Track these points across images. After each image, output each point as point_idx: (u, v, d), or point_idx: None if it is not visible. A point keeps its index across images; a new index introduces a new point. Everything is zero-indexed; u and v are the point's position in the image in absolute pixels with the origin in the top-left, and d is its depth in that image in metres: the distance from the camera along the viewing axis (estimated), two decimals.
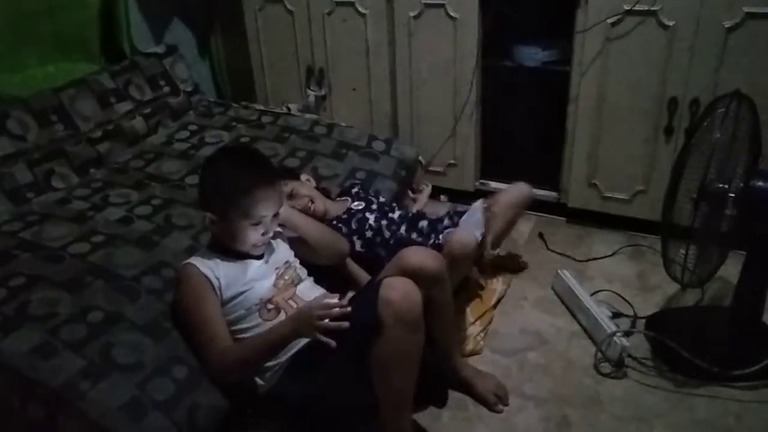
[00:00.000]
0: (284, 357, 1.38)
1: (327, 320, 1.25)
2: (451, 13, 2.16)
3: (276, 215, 1.45)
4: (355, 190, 1.95)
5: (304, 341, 1.36)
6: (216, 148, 1.79)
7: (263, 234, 1.43)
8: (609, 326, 1.69)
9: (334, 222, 1.82)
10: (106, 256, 1.57)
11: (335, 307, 1.26)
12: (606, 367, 1.66)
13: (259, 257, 1.48)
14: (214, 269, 1.41)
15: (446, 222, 1.86)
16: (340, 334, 1.24)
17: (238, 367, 1.37)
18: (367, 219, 1.82)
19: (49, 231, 1.66)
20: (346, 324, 1.24)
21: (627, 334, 1.69)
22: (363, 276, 1.73)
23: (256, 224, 1.41)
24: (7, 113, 1.90)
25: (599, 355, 1.68)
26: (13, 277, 1.47)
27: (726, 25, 1.81)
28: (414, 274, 1.38)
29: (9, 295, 1.42)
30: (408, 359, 1.29)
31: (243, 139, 2.18)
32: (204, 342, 1.37)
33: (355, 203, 1.88)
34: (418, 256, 1.43)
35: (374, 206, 1.87)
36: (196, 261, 1.43)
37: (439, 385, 1.52)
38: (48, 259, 1.54)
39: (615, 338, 1.65)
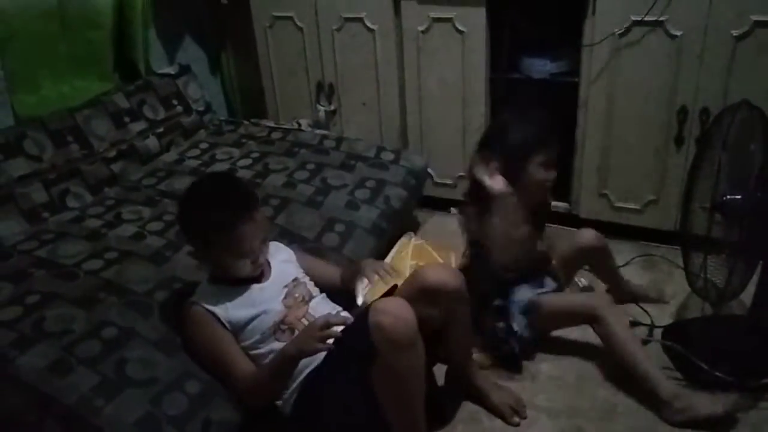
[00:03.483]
0: (295, 382, 1.38)
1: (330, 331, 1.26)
2: (459, 27, 2.18)
3: (264, 239, 1.45)
4: None
5: (313, 364, 1.36)
6: (195, 180, 1.68)
7: (253, 262, 1.42)
8: None
9: None
10: (119, 273, 1.59)
11: (338, 323, 1.27)
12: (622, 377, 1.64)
13: (262, 279, 1.47)
14: (219, 304, 1.41)
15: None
16: (338, 359, 1.27)
17: (262, 393, 1.38)
18: None
19: (63, 248, 1.69)
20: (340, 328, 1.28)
21: (644, 343, 1.67)
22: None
23: (242, 257, 1.40)
24: (23, 134, 1.93)
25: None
26: (28, 295, 1.49)
27: (734, 34, 1.81)
28: (434, 293, 1.38)
29: (25, 313, 1.44)
30: (409, 378, 1.28)
31: (253, 155, 2.21)
32: (227, 376, 1.39)
33: None
34: (438, 274, 1.41)
35: None
36: (200, 299, 1.43)
37: (435, 401, 1.49)
38: (62, 277, 1.56)
39: None
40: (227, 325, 1.41)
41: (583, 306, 1.65)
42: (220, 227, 1.37)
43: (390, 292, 1.46)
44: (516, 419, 1.55)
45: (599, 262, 1.84)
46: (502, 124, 1.75)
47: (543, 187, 1.72)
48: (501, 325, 1.68)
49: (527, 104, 2.29)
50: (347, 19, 2.36)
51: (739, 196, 1.44)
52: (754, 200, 1.43)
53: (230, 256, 1.40)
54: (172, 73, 2.44)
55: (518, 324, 1.68)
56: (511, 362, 1.71)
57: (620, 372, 1.66)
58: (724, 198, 1.45)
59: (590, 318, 1.61)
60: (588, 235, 1.81)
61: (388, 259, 1.86)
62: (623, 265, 2.06)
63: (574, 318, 1.69)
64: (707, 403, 1.48)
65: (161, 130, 2.29)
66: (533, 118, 1.73)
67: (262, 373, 1.38)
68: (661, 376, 1.52)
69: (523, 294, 1.70)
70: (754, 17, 1.77)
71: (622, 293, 1.88)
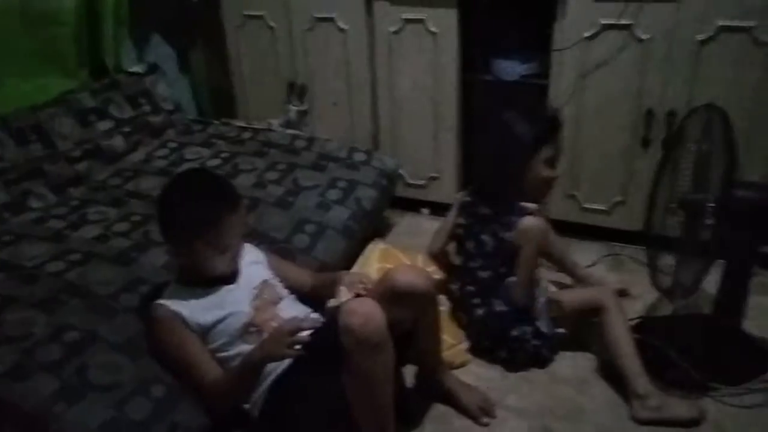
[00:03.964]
0: (264, 385, 1.36)
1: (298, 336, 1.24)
2: (431, 29, 2.18)
3: (242, 235, 1.44)
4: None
5: (282, 366, 1.35)
6: (174, 175, 1.73)
7: (232, 258, 1.42)
8: None
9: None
10: (82, 275, 1.55)
11: (308, 327, 1.26)
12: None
13: (231, 280, 1.45)
14: (186, 305, 1.39)
15: None
16: (307, 361, 1.25)
17: (230, 397, 1.37)
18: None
19: (24, 250, 1.64)
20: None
21: None
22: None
23: (224, 252, 1.40)
24: None
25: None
26: None
27: (699, 39, 1.84)
28: (404, 295, 1.37)
29: None
30: (379, 380, 1.26)
31: (223, 155, 2.18)
32: (193, 380, 1.36)
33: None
34: (407, 275, 1.41)
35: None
36: (167, 300, 1.40)
37: (404, 403, 1.49)
38: (23, 279, 1.52)
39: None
40: (194, 327, 1.39)
41: (593, 299, 1.67)
42: (206, 220, 1.36)
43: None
44: (485, 419, 1.55)
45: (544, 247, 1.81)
46: (505, 123, 1.75)
47: (549, 184, 1.74)
48: (528, 328, 1.69)
49: (497, 106, 2.30)
50: (319, 19, 2.35)
51: (702, 196, 1.46)
52: (717, 200, 1.46)
53: (212, 250, 1.38)
54: (140, 71, 2.40)
55: (545, 325, 1.69)
56: (537, 361, 1.71)
57: (587, 372, 1.68)
58: (689, 198, 1.48)
59: (598, 310, 1.63)
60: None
61: (355, 268, 1.85)
62: (590, 265, 2.08)
63: (586, 311, 1.70)
64: (682, 407, 1.51)
65: (128, 129, 2.25)
66: (536, 115, 1.75)
67: (228, 377, 1.36)
68: (642, 372, 1.54)
69: (541, 295, 1.72)
70: (719, 22, 1.80)
71: (575, 276, 1.93)
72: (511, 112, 1.75)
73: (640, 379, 1.53)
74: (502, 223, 1.68)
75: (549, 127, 1.73)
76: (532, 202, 1.73)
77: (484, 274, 1.72)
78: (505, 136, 1.71)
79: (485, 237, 1.71)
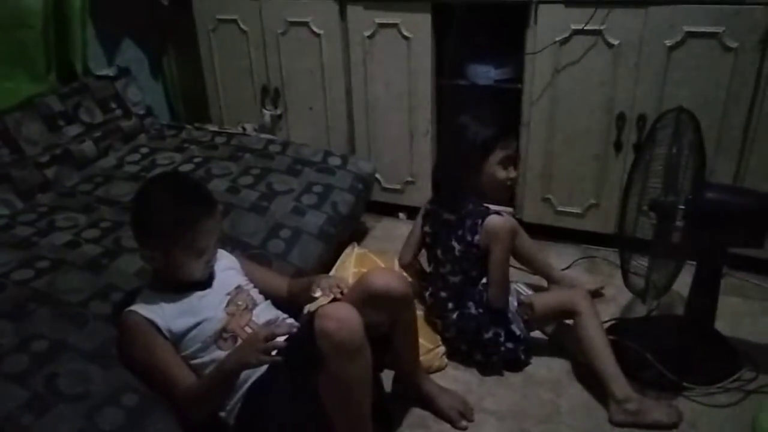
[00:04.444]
0: (239, 392, 1.34)
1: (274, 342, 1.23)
2: (405, 33, 2.19)
3: (218, 240, 1.43)
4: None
5: (258, 373, 1.33)
6: (148, 178, 1.73)
7: (207, 262, 1.41)
8: None
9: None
10: (51, 282, 1.52)
11: (282, 333, 1.25)
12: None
13: (205, 286, 1.43)
14: (159, 312, 1.36)
15: None
16: (283, 367, 1.24)
17: (204, 405, 1.34)
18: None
19: None
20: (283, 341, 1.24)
21: None
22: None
23: (200, 256, 1.38)
24: None
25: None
26: None
27: (668, 44, 1.87)
28: (381, 298, 1.37)
29: None
30: (357, 385, 1.25)
31: (196, 160, 2.15)
32: (165, 388, 1.34)
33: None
34: (384, 278, 1.40)
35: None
36: (139, 307, 1.37)
37: (382, 408, 1.48)
38: None
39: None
40: (167, 334, 1.36)
41: (567, 302, 1.67)
42: (183, 222, 1.34)
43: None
44: (464, 423, 1.55)
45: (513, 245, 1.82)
46: (459, 126, 1.76)
47: (504, 186, 1.74)
48: (501, 331, 1.69)
49: (475, 110, 2.32)
50: (292, 23, 2.34)
51: (673, 198, 1.49)
52: (687, 202, 1.48)
53: (189, 255, 1.36)
54: (111, 75, 2.36)
55: (518, 327, 1.70)
56: (512, 364, 1.71)
57: (563, 375, 1.69)
58: (660, 200, 1.50)
59: (571, 313, 1.64)
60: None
61: (332, 272, 1.84)
62: (566, 268, 2.10)
63: (559, 314, 1.72)
64: (660, 412, 1.52)
65: (99, 134, 2.21)
66: (488, 117, 1.74)
67: (202, 384, 1.33)
68: (620, 376, 1.55)
69: (514, 298, 1.73)
70: (686, 28, 1.84)
71: (549, 278, 1.95)
72: (466, 116, 1.76)
73: (618, 383, 1.54)
74: (467, 227, 1.68)
75: (501, 129, 1.73)
76: (493, 204, 1.74)
77: (455, 279, 1.72)
78: (458, 139, 1.73)
79: (452, 242, 1.71)
